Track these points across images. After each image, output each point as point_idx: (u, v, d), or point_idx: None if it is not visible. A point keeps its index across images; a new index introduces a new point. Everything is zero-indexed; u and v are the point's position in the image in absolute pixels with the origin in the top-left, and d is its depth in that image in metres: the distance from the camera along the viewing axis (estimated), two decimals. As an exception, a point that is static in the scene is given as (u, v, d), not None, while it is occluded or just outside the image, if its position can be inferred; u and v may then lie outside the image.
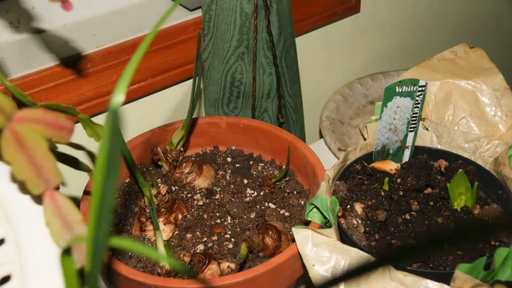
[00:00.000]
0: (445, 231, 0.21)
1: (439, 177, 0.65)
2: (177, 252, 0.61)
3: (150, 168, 0.75)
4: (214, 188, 0.71)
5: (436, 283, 0.47)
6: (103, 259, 0.23)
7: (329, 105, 1.01)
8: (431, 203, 0.62)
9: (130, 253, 0.63)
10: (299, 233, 0.53)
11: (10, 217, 0.39)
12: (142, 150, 0.73)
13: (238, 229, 0.65)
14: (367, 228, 0.59)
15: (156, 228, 0.56)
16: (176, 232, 0.65)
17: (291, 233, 0.63)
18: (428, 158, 0.66)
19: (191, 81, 0.78)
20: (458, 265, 0.48)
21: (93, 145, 0.77)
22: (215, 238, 0.63)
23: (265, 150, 0.77)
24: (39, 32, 0.76)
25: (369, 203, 0.61)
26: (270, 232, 0.60)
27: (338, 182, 0.63)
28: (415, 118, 0.66)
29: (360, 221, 0.59)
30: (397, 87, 0.62)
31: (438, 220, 0.60)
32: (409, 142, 0.68)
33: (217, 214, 0.67)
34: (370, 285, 0.48)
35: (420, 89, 0.63)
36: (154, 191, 0.63)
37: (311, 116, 1.08)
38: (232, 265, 0.59)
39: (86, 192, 0.63)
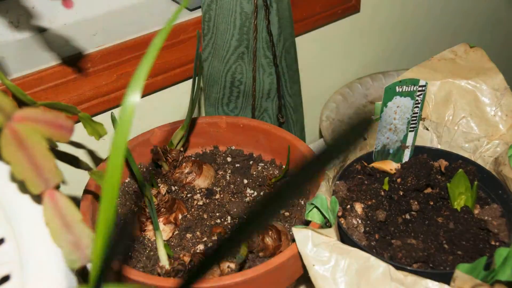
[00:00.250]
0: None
1: (439, 177, 0.65)
2: (177, 252, 0.61)
3: (150, 168, 0.74)
4: (214, 188, 0.71)
5: (436, 283, 0.47)
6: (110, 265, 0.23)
7: (329, 105, 1.01)
8: (431, 203, 0.62)
9: (130, 253, 0.62)
10: (299, 233, 0.53)
11: (10, 217, 0.39)
12: (142, 150, 0.73)
13: (238, 229, 0.65)
14: (367, 228, 0.59)
15: (156, 228, 0.56)
16: (176, 232, 0.65)
17: (291, 233, 0.62)
18: (428, 158, 0.66)
19: (191, 81, 0.78)
20: (458, 265, 0.48)
21: (94, 144, 0.77)
22: (215, 238, 0.63)
23: (265, 150, 0.77)
24: (39, 31, 0.76)
25: (369, 203, 0.61)
26: (270, 232, 0.60)
27: (338, 182, 0.63)
28: (415, 118, 0.66)
29: (360, 221, 0.59)
30: (397, 87, 0.62)
31: (438, 220, 0.60)
32: (409, 142, 0.67)
33: (217, 214, 0.67)
34: (370, 285, 0.48)
35: (420, 89, 0.63)
36: (154, 191, 0.63)
37: (311, 116, 1.08)
38: (232, 265, 0.59)
39: (86, 191, 0.62)
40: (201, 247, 0.62)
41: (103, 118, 0.78)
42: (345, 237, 0.57)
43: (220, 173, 0.74)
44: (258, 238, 0.59)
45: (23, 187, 0.40)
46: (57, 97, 0.71)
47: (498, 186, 0.62)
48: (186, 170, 0.71)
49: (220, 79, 0.79)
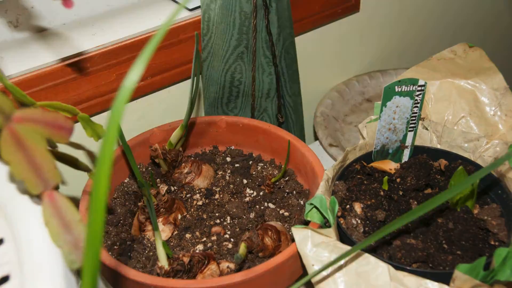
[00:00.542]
0: None
1: (439, 176, 0.65)
2: (177, 252, 0.61)
3: (150, 168, 0.74)
4: (214, 188, 0.71)
5: (435, 283, 0.47)
6: (99, 258, 0.23)
7: (324, 101, 1.01)
8: (431, 203, 0.62)
9: (129, 253, 0.62)
10: (298, 233, 0.53)
11: (9, 217, 0.39)
12: (141, 150, 0.73)
13: (238, 229, 0.65)
14: (367, 228, 0.59)
15: (155, 228, 0.56)
16: (176, 232, 0.65)
17: (290, 233, 0.62)
18: (427, 158, 0.66)
19: (190, 80, 0.78)
20: (458, 265, 0.48)
21: (93, 145, 0.77)
22: (214, 238, 0.63)
23: (264, 150, 0.77)
24: (38, 31, 0.76)
25: (369, 203, 0.61)
26: (270, 232, 0.60)
27: (337, 182, 0.63)
28: (414, 118, 0.66)
29: (359, 221, 0.59)
30: (396, 87, 0.62)
31: (438, 220, 0.60)
32: (408, 141, 0.68)
33: (217, 214, 0.67)
34: (369, 285, 0.48)
35: (419, 88, 0.63)
36: (153, 191, 0.63)
37: (310, 116, 1.08)
38: (232, 265, 0.59)
39: (86, 192, 0.62)
40: (200, 247, 0.62)
41: (102, 118, 0.78)
42: (344, 237, 0.57)
43: (219, 173, 0.74)
44: (257, 238, 0.59)
45: (22, 188, 0.40)
46: (56, 97, 0.71)
47: (498, 186, 0.62)
48: (186, 170, 0.71)
49: (220, 79, 0.79)
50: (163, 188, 0.66)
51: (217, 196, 0.70)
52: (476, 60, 0.71)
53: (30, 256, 0.36)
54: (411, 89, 0.63)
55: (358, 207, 0.61)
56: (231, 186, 0.71)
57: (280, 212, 0.67)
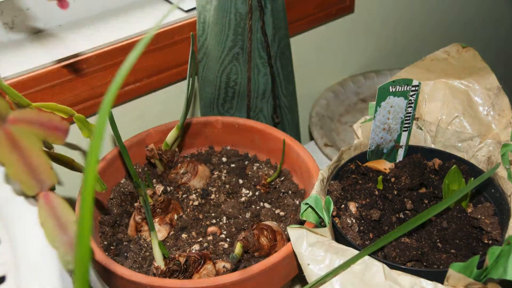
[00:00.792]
0: None
1: (433, 176, 0.66)
2: (173, 253, 0.62)
3: (146, 169, 0.75)
4: (210, 188, 0.71)
5: (430, 282, 0.47)
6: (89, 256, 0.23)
7: (319, 102, 1.01)
8: (425, 202, 0.63)
9: (126, 254, 0.63)
10: (294, 232, 0.53)
11: (5, 218, 0.39)
12: (137, 151, 0.73)
13: (234, 229, 0.65)
14: (361, 227, 0.59)
15: (152, 229, 0.56)
16: (172, 232, 0.65)
17: (286, 232, 0.63)
18: (421, 157, 0.67)
19: (186, 81, 0.78)
20: (452, 264, 0.48)
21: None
22: (210, 238, 0.64)
23: (260, 150, 0.77)
24: (34, 32, 0.76)
25: (363, 202, 0.61)
26: (265, 232, 0.61)
27: (332, 182, 0.63)
28: (408, 118, 0.66)
29: (354, 220, 0.60)
30: (390, 87, 0.63)
31: (432, 219, 0.60)
32: (403, 141, 0.68)
33: (213, 214, 0.67)
34: (364, 284, 0.49)
35: (413, 88, 0.64)
36: (149, 192, 0.63)
37: (306, 116, 1.08)
38: (228, 265, 0.59)
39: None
40: (196, 247, 0.62)
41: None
42: (339, 237, 0.57)
43: (215, 173, 0.74)
44: (253, 238, 0.59)
45: (18, 189, 0.40)
46: (52, 98, 0.71)
47: (491, 185, 0.62)
48: (182, 171, 0.71)
49: (215, 80, 0.80)
50: (159, 188, 0.67)
51: (213, 196, 0.70)
52: (469, 60, 0.72)
53: (26, 257, 0.37)
54: (405, 89, 0.63)
55: (353, 207, 0.61)
56: (227, 186, 0.71)
57: (276, 212, 0.67)
